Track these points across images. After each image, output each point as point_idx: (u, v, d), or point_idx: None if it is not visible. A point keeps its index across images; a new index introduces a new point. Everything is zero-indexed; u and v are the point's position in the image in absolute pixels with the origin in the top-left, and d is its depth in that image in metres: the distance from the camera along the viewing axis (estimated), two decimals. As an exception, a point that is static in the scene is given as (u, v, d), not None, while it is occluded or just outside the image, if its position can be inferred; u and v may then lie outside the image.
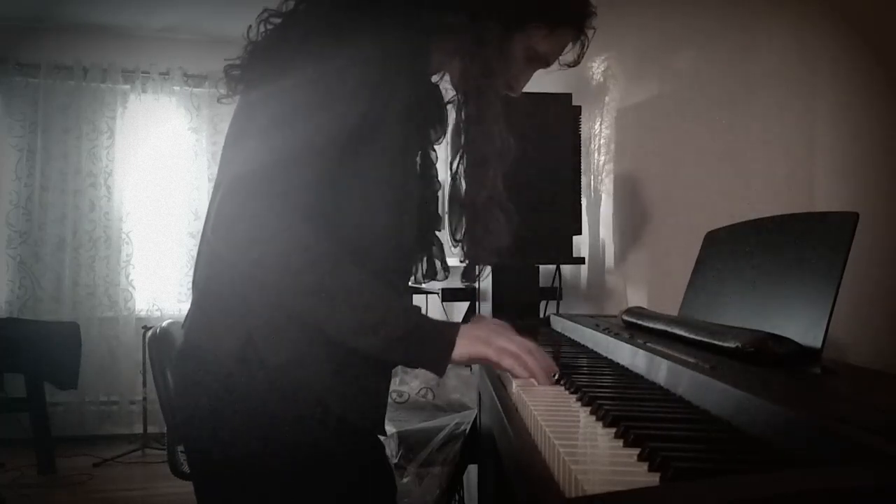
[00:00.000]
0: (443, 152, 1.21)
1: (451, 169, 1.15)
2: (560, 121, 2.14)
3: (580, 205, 2.36)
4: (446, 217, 1.20)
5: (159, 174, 4.81)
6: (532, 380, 1.01)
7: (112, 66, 4.71)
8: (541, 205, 2.02)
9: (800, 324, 0.95)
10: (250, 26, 1.09)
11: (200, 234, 1.12)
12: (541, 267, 2.36)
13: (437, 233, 1.21)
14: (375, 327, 0.95)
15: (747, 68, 1.61)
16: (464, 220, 1.15)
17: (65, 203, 4.65)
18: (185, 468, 2.03)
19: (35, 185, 4.61)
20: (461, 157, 1.12)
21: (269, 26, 1.08)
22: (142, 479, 3.87)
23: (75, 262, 4.65)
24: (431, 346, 0.98)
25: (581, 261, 2.43)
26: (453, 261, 1.24)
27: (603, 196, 2.51)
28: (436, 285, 2.49)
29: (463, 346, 0.98)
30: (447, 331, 0.99)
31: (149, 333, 2.05)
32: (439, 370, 0.99)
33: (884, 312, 1.18)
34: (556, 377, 1.06)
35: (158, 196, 4.80)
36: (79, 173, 4.66)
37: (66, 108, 4.66)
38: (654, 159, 2.12)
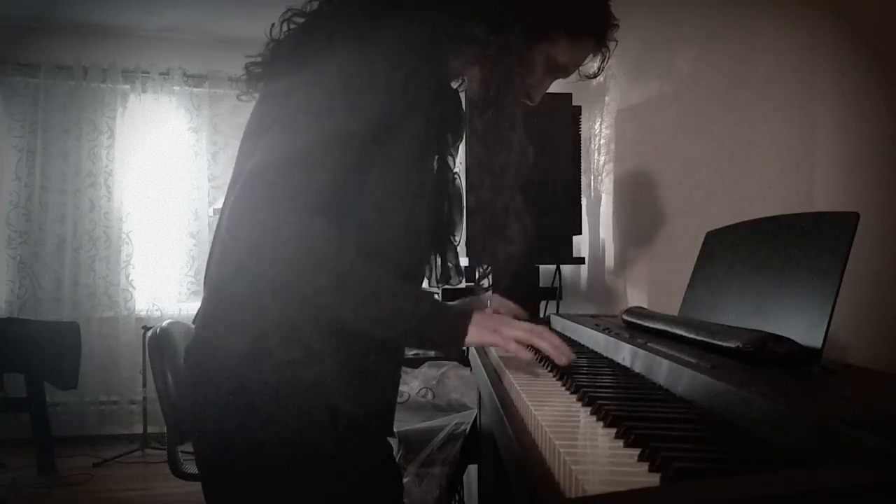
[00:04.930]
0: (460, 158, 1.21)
1: (467, 176, 1.16)
2: (560, 121, 2.14)
3: (580, 205, 2.36)
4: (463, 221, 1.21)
5: (159, 174, 4.80)
6: (537, 369, 1.04)
7: (112, 66, 4.71)
8: (541, 205, 2.02)
9: (800, 324, 0.95)
10: (273, 24, 1.10)
11: (214, 230, 1.12)
12: (541, 267, 2.36)
13: (453, 237, 1.22)
14: (392, 316, 0.96)
15: (747, 68, 1.61)
16: (477, 226, 1.15)
17: (65, 203, 4.64)
18: (186, 468, 2.03)
19: (35, 185, 4.61)
20: (478, 165, 1.12)
21: (293, 25, 1.08)
22: (142, 479, 3.87)
23: (75, 262, 4.64)
24: (445, 334, 1.01)
25: (581, 261, 2.43)
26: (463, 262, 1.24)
27: (603, 196, 2.52)
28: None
29: (474, 333, 1.02)
30: (460, 320, 1.02)
31: (149, 333, 2.05)
32: (451, 354, 1.01)
33: (884, 312, 1.18)
34: (555, 375, 1.06)
35: (158, 196, 4.79)
36: (79, 173, 4.66)
37: (66, 108, 4.66)
38: (654, 159, 2.12)
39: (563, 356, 1.05)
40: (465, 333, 1.01)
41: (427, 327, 0.99)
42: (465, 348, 1.46)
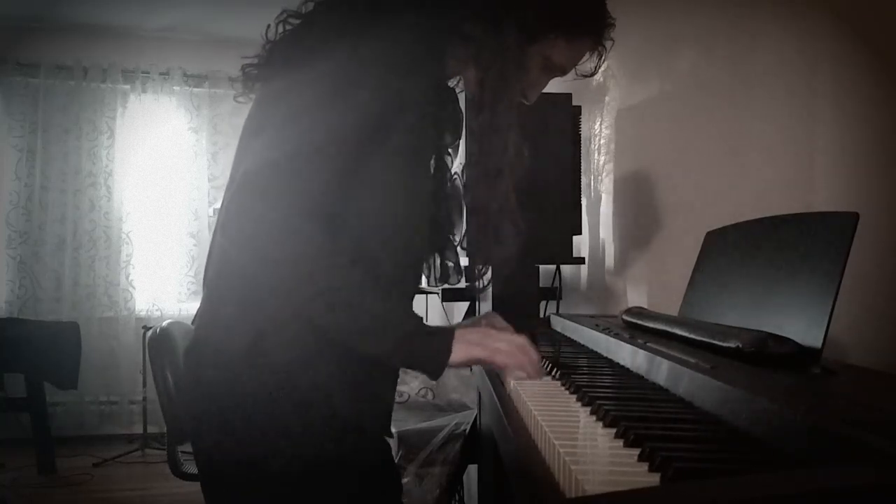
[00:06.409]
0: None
1: (462, 176, 1.16)
2: (560, 121, 2.13)
3: (580, 205, 2.36)
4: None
5: (159, 174, 4.80)
6: (522, 375, 1.04)
7: (112, 66, 4.71)
8: (541, 205, 2.02)
9: (800, 324, 0.95)
10: (269, 26, 1.09)
11: (212, 231, 1.12)
12: (541, 267, 2.36)
13: (451, 237, 1.21)
14: (377, 334, 0.96)
15: (747, 68, 1.61)
16: (473, 226, 1.15)
17: (65, 203, 4.64)
18: (185, 468, 2.02)
19: (35, 185, 4.61)
20: (474, 165, 1.12)
21: (288, 27, 1.08)
22: (142, 479, 3.87)
23: (75, 262, 4.64)
24: (430, 353, 1.00)
25: (581, 261, 2.43)
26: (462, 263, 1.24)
27: (603, 196, 2.51)
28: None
29: (459, 351, 1.01)
30: (444, 337, 1.01)
31: (149, 333, 2.05)
32: (435, 375, 1.01)
33: (884, 312, 1.18)
34: (555, 375, 1.06)
35: (158, 196, 4.79)
36: (79, 173, 4.66)
37: (66, 108, 4.66)
38: (654, 159, 2.12)
39: (538, 376, 1.05)
40: (448, 354, 1.00)
41: (410, 348, 0.98)
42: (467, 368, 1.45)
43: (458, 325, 1.27)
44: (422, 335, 0.99)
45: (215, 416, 1.02)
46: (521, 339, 1.06)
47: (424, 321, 1.01)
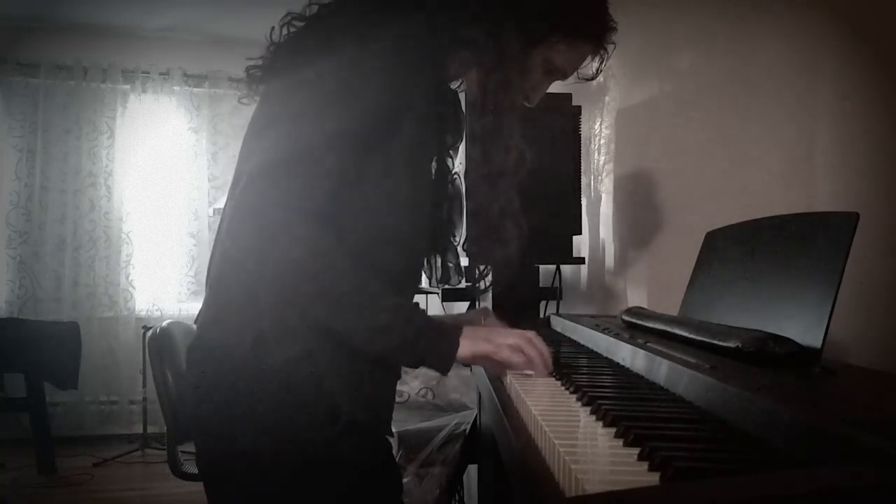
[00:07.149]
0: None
1: (464, 178, 1.16)
2: (560, 121, 2.14)
3: (580, 205, 2.36)
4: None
5: (159, 174, 4.80)
6: (529, 371, 1.04)
7: (112, 66, 4.71)
8: (541, 205, 2.02)
9: (800, 324, 0.95)
10: (273, 28, 1.10)
11: (216, 231, 1.12)
12: (541, 267, 2.36)
13: (453, 238, 1.22)
14: (383, 331, 0.96)
15: (747, 68, 1.61)
16: (475, 228, 1.15)
17: (65, 203, 4.65)
18: (186, 468, 2.02)
19: (35, 185, 4.61)
20: (476, 166, 1.12)
21: (292, 29, 1.09)
22: (142, 479, 3.87)
23: (75, 262, 4.65)
24: (437, 348, 1.00)
25: (581, 261, 2.43)
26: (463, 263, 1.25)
27: (603, 196, 2.52)
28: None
29: (466, 346, 1.01)
30: (451, 332, 1.01)
31: (149, 333, 2.05)
32: (444, 370, 1.01)
33: (884, 312, 1.18)
34: (555, 375, 1.06)
35: (158, 196, 4.80)
36: (79, 173, 4.66)
37: (66, 108, 4.66)
38: (654, 159, 2.12)
39: (544, 372, 1.05)
40: (455, 350, 1.00)
41: (418, 345, 0.98)
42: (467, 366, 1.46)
43: (460, 317, 1.28)
44: (428, 332, 0.99)
45: (218, 414, 1.03)
46: (530, 334, 1.06)
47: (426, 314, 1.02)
